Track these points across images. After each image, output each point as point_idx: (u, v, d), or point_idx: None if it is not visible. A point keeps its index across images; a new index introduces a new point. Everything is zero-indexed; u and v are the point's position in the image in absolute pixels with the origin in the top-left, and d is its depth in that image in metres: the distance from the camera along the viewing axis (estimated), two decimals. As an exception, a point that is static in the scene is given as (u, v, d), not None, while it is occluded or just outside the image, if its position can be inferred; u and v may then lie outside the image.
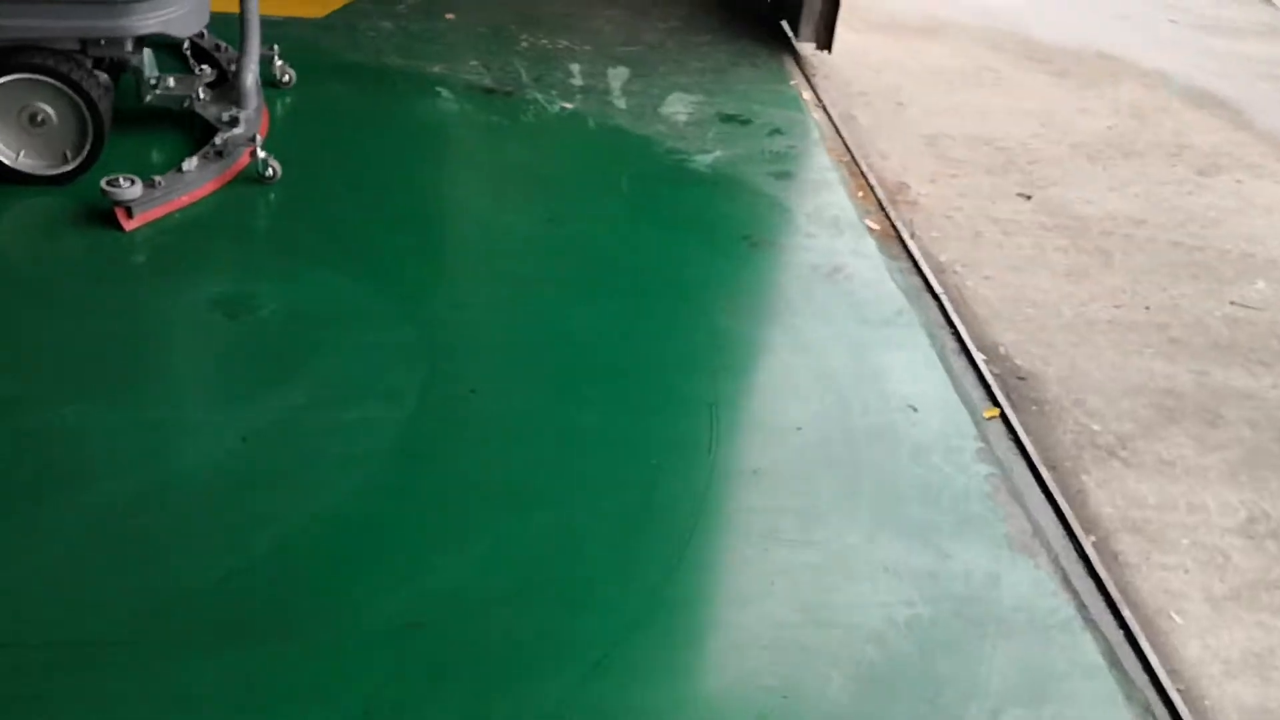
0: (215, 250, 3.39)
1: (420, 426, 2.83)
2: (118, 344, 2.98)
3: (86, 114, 3.36)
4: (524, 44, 4.87)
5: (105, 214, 3.34)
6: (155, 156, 3.68)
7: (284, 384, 2.89)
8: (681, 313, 3.41)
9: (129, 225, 3.32)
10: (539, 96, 4.46)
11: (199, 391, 2.90)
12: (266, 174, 3.61)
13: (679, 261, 3.64)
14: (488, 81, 4.51)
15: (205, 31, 3.98)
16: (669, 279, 3.54)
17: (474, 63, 4.63)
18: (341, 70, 4.44)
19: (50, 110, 3.35)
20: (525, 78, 4.59)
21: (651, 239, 3.74)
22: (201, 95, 3.72)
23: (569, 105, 4.44)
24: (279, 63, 4.20)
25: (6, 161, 3.38)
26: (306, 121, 4.14)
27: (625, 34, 5.10)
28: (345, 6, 4.92)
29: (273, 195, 3.64)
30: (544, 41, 4.92)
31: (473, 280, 3.43)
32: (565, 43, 4.93)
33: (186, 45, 3.99)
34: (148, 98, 3.69)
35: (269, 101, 4.04)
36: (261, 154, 3.61)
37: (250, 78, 3.76)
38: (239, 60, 3.78)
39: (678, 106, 4.57)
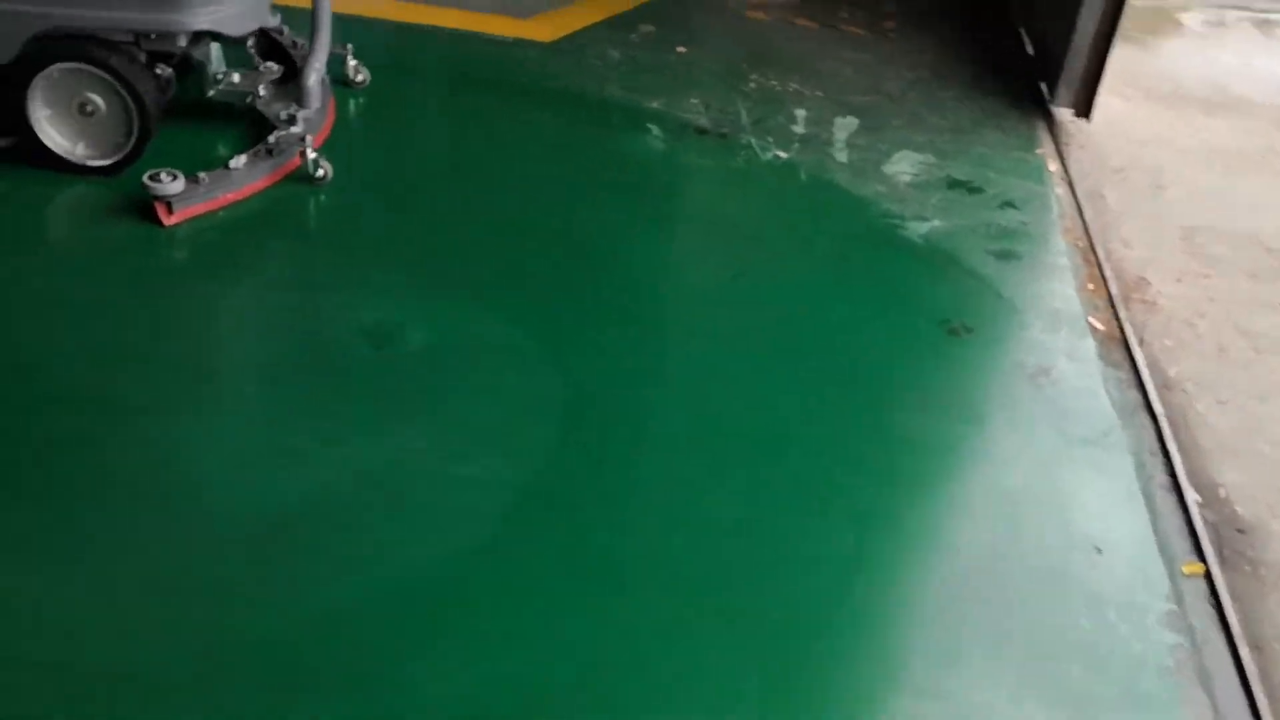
0: (348, 263, 3.33)
1: (535, 495, 2.65)
2: (206, 348, 2.96)
3: (132, 106, 3.34)
4: (752, 84, 4.64)
5: (147, 207, 3.31)
6: (219, 151, 3.62)
7: (407, 422, 2.78)
8: (852, 399, 3.09)
9: (168, 220, 3.28)
10: (754, 141, 4.23)
11: (314, 416, 2.82)
12: (317, 174, 3.52)
13: (863, 339, 3.33)
14: (703, 121, 4.31)
15: (284, 28, 3.95)
16: (846, 357, 3.24)
17: (694, 100, 4.44)
18: (554, 96, 4.34)
19: (99, 100, 3.35)
20: (744, 120, 4.36)
21: (839, 310, 3.44)
22: (263, 92, 3.68)
23: (784, 154, 4.18)
24: (352, 63, 4.11)
25: (58, 150, 3.40)
26: (493, 143, 4.07)
27: (864, 81, 4.80)
28: (577, 32, 4.83)
29: (379, 205, 3.58)
30: (773, 82, 4.68)
31: (633, 331, 3.23)
32: (796, 85, 4.67)
33: (251, 43, 3.89)
34: (210, 92, 3.67)
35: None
36: (312, 154, 3.51)
37: (314, 77, 3.69)
38: (305, 59, 3.73)
39: (904, 166, 4.23)
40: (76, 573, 2.33)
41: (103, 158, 3.43)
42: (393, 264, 3.36)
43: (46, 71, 3.29)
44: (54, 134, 3.40)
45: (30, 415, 2.68)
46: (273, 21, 3.87)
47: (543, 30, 4.79)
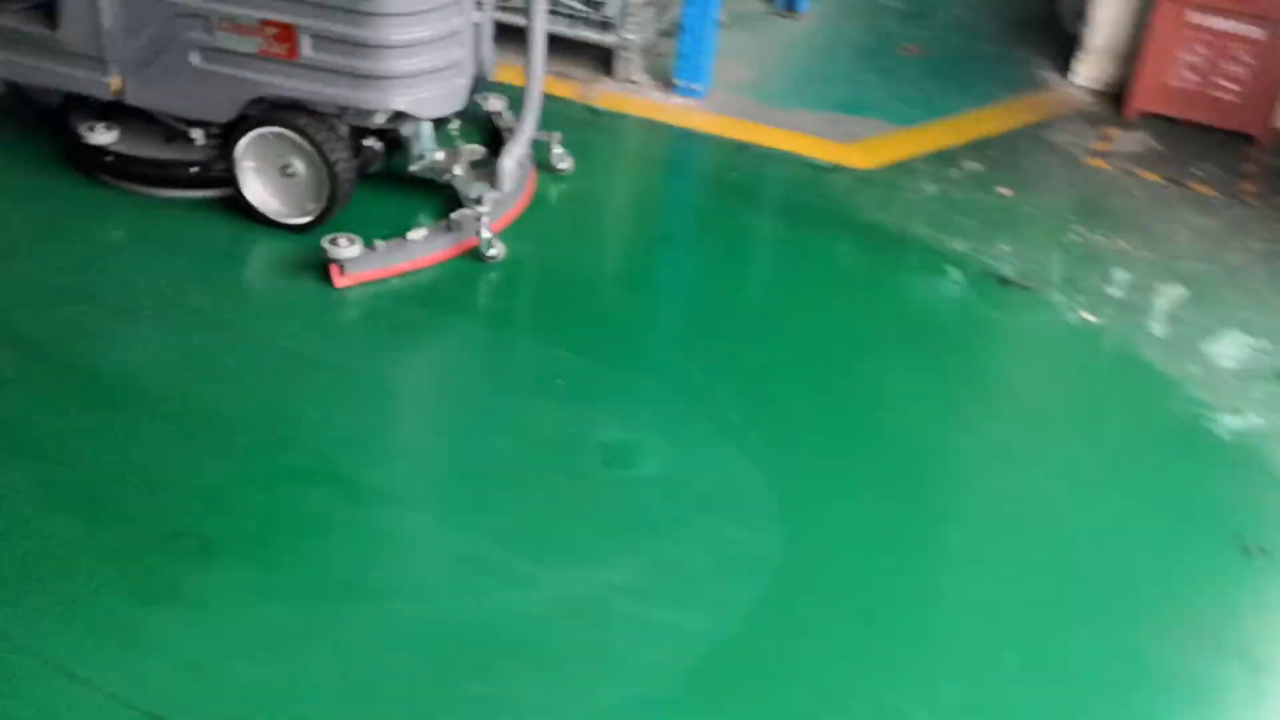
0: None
1: (730, 656, 2.54)
2: (429, 431, 3.07)
3: (325, 173, 3.51)
4: (1073, 236, 4.34)
5: (325, 266, 3.47)
6: (411, 221, 3.74)
7: (621, 554, 2.75)
8: (1108, 611, 2.77)
9: (339, 281, 3.43)
10: (1059, 299, 3.94)
11: (531, 529, 2.82)
12: (489, 253, 3.61)
13: (1136, 545, 2.99)
14: (1007, 270, 4.06)
15: (503, 111, 4.20)
16: (1109, 567, 2.91)
17: (1004, 246, 4.20)
18: (847, 224, 4.23)
19: (299, 165, 3.56)
20: (1054, 274, 4.07)
21: (1109, 508, 3.11)
22: (459, 171, 3.81)
23: (1091, 317, 3.87)
24: (558, 150, 4.18)
25: (258, 205, 3.64)
26: (755, 263, 4.05)
27: (1203, 247, 4.37)
28: (898, 162, 4.70)
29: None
30: (1098, 237, 4.35)
31: (872, 496, 3.05)
32: (1124, 244, 4.32)
33: (455, 124, 4.05)
34: (412, 167, 3.82)
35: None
36: (486, 234, 3.59)
37: (510, 161, 3.78)
38: (508, 142, 3.82)
39: (1228, 348, 3.81)
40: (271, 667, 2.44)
41: (296, 216, 3.66)
42: (635, 373, 3.37)
43: (257, 133, 3.57)
44: (258, 189, 3.68)
45: (270, 485, 2.85)
46: (495, 105, 4.17)
47: (861, 157, 4.70)
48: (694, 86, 4.84)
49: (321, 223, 3.63)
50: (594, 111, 4.73)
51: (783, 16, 5.86)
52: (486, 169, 3.92)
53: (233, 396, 3.09)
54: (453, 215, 3.65)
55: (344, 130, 3.60)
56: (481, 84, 3.88)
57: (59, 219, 3.72)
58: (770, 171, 4.61)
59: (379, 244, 3.52)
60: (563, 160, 4.25)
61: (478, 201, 3.69)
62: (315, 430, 3.02)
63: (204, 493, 2.78)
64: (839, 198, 4.41)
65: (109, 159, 3.75)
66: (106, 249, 3.63)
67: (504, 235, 3.77)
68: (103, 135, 3.74)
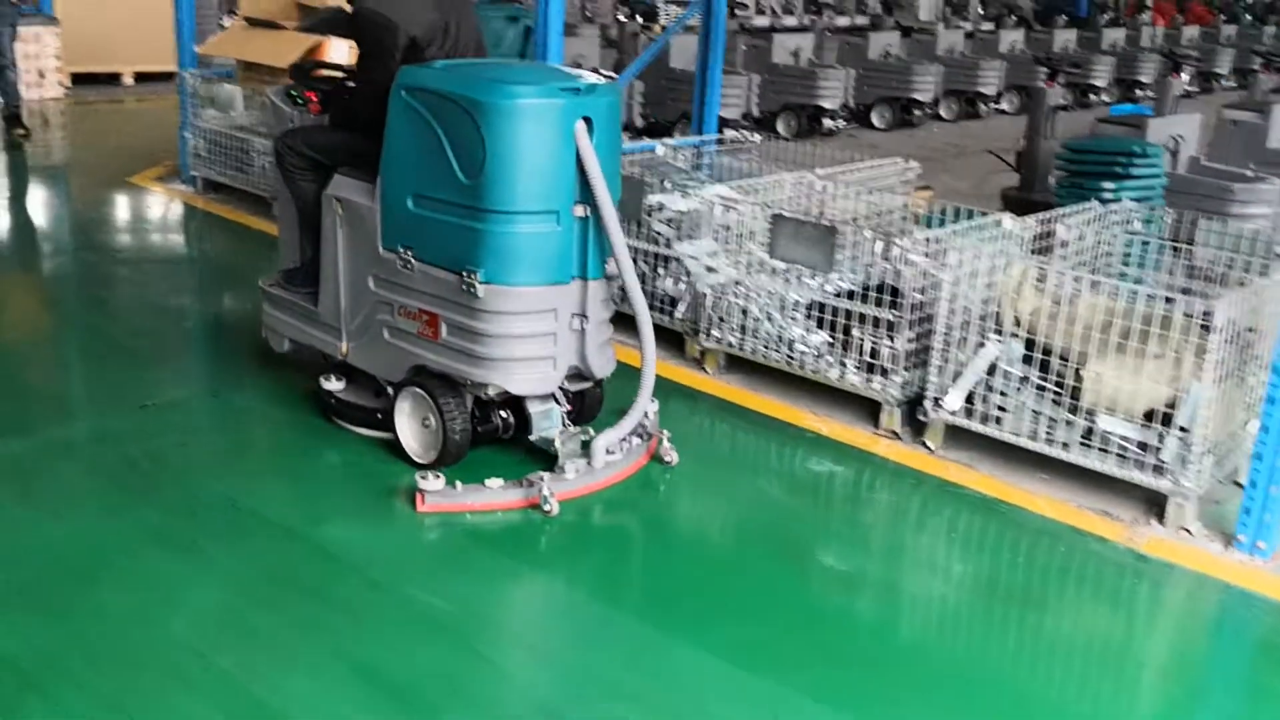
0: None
1: None
2: None
3: (441, 428, 4.32)
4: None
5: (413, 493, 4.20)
6: (511, 474, 4.29)
7: None
8: None
9: (420, 507, 4.16)
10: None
11: None
12: (545, 508, 4.15)
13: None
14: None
15: (652, 413, 4.70)
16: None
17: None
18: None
19: (433, 419, 4.39)
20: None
21: None
22: (564, 444, 4.37)
23: None
24: (665, 445, 4.65)
25: (403, 442, 4.50)
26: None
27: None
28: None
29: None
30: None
31: None
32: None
33: (567, 404, 4.61)
34: (531, 437, 4.47)
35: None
36: (546, 491, 4.14)
37: (603, 444, 4.34)
38: (610, 428, 4.41)
39: None
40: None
41: (424, 457, 4.47)
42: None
43: (408, 391, 4.46)
44: (405, 433, 4.52)
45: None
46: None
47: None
48: (1260, 545, 4.20)
49: (439, 465, 4.36)
50: (1140, 558, 4.22)
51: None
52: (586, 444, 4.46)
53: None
54: (532, 476, 4.23)
55: (467, 399, 4.39)
56: (588, 375, 4.52)
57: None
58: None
59: (459, 485, 4.20)
60: (669, 454, 4.69)
61: (558, 471, 4.29)
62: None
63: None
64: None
65: (333, 401, 4.79)
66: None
67: (581, 503, 4.32)
68: (332, 384, 4.80)
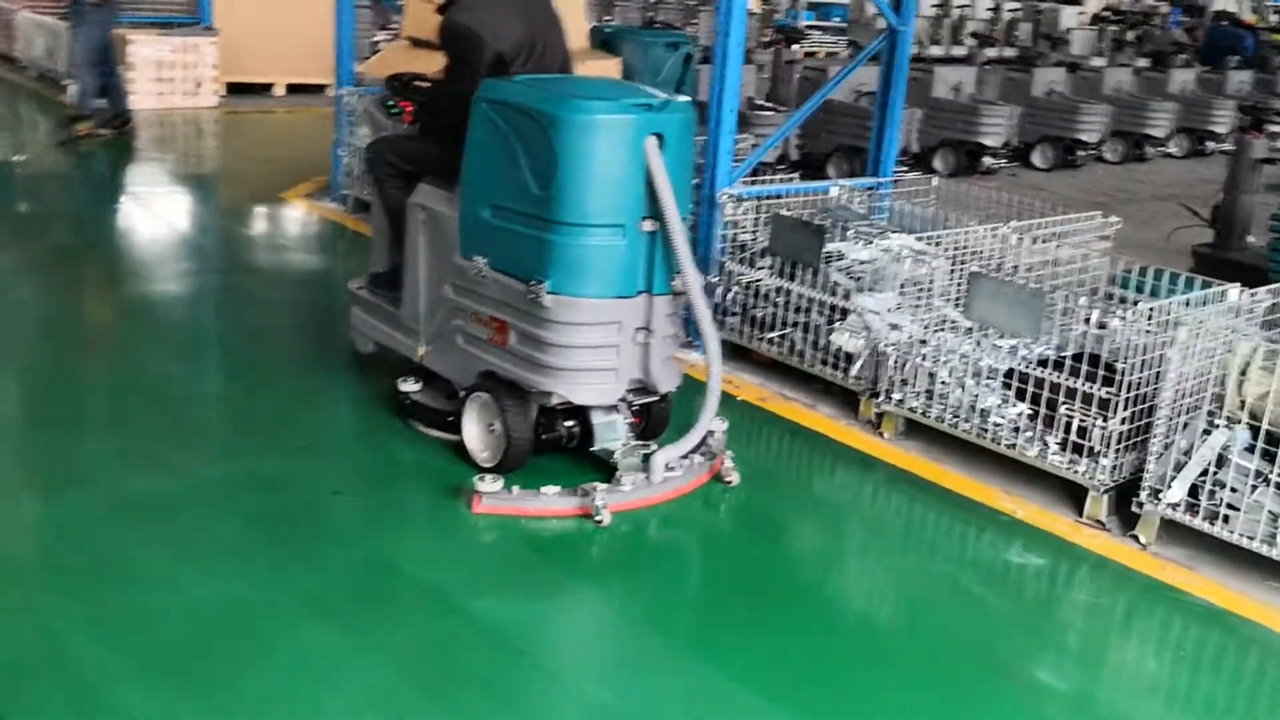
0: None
1: None
2: None
3: (504, 433, 4.38)
4: None
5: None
6: (571, 481, 4.31)
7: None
8: None
9: (475, 508, 4.21)
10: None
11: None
12: (596, 519, 4.16)
13: None
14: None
15: (719, 431, 4.66)
16: None
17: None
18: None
19: (498, 425, 4.44)
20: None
21: None
22: (625, 456, 4.37)
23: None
24: (728, 464, 4.61)
25: (468, 445, 4.57)
26: None
27: None
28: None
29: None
30: None
31: None
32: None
33: (628, 415, 4.55)
34: (593, 448, 4.49)
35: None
36: (600, 501, 4.15)
37: (662, 459, 4.36)
38: (672, 443, 4.43)
39: None
40: None
41: (488, 461, 4.51)
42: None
43: (477, 394, 4.53)
44: (470, 436, 4.58)
45: None
46: (716, 425, 4.56)
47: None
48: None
49: (502, 470, 4.38)
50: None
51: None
52: (645, 458, 4.47)
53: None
54: (588, 485, 4.24)
55: (532, 407, 4.43)
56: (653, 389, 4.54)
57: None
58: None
59: (515, 490, 4.25)
60: (730, 474, 4.65)
61: (615, 483, 4.31)
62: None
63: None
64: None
65: (408, 402, 4.88)
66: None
67: (640, 516, 4.32)
68: (409, 385, 4.89)
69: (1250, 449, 4.17)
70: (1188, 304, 4.55)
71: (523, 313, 4.32)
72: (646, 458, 4.39)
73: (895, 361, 5.06)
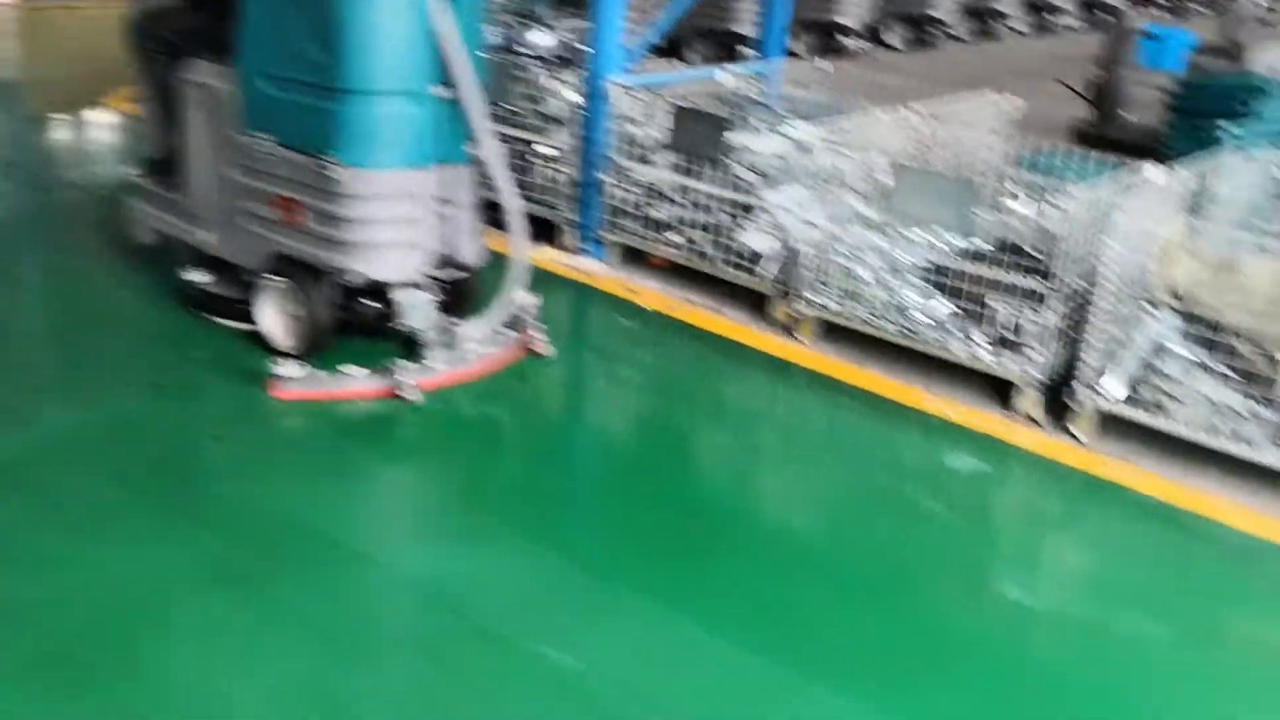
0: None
1: None
2: None
3: (307, 318, 4.21)
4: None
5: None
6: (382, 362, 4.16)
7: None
8: None
9: (272, 392, 4.06)
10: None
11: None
12: (408, 397, 4.06)
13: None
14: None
15: (531, 306, 4.51)
16: None
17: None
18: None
19: (297, 309, 4.26)
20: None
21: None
22: (434, 334, 4.25)
23: None
24: (531, 332, 4.51)
25: (266, 334, 4.34)
26: None
27: None
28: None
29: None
30: None
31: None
32: None
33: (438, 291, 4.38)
34: (398, 325, 4.27)
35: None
36: (404, 379, 4.06)
37: (467, 330, 4.29)
38: (478, 316, 4.35)
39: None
40: None
41: (289, 347, 4.30)
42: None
43: (271, 280, 4.29)
44: (269, 322, 4.34)
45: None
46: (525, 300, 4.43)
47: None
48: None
49: (309, 354, 4.22)
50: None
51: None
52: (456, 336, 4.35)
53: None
54: (392, 362, 4.12)
55: (330, 287, 4.20)
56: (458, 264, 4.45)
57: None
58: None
59: (320, 373, 4.10)
60: (534, 343, 4.53)
61: (419, 359, 4.20)
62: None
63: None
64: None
65: (194, 293, 4.60)
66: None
67: (453, 392, 4.23)
68: (196, 275, 4.58)
69: (1197, 340, 4.06)
70: (1126, 189, 4.35)
71: (314, 189, 4.10)
72: (453, 333, 4.26)
73: (811, 261, 4.79)
